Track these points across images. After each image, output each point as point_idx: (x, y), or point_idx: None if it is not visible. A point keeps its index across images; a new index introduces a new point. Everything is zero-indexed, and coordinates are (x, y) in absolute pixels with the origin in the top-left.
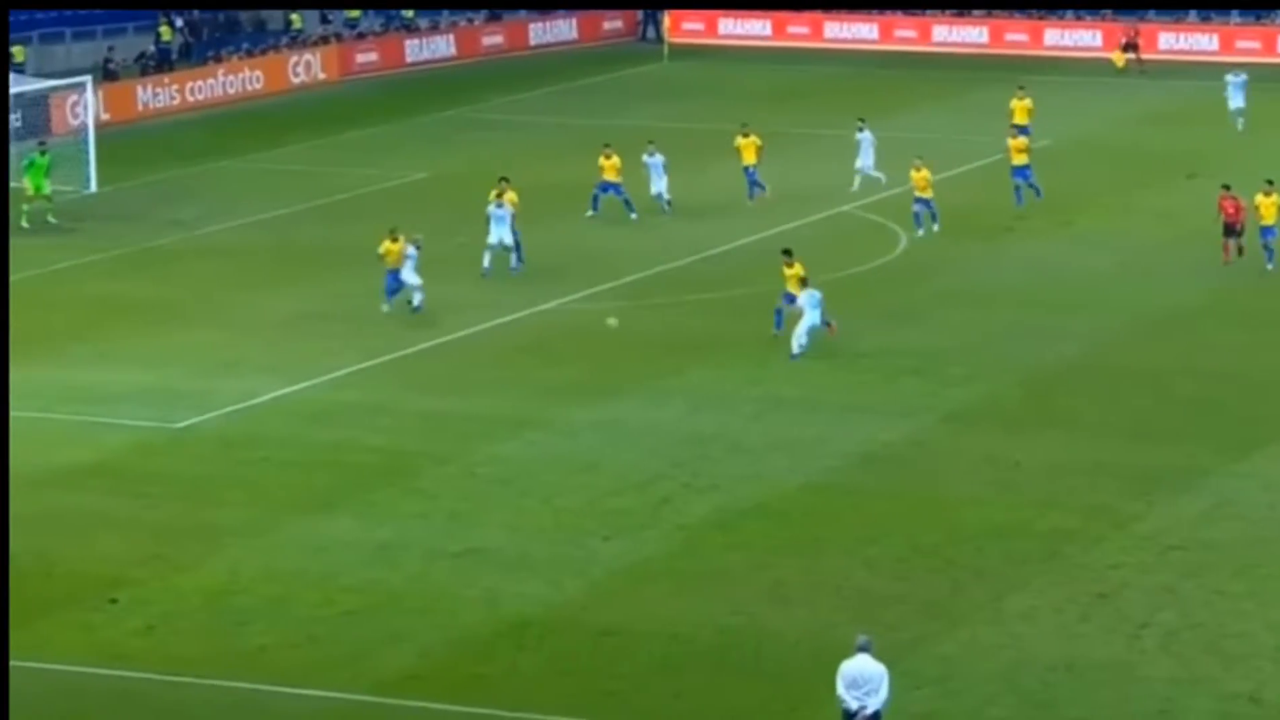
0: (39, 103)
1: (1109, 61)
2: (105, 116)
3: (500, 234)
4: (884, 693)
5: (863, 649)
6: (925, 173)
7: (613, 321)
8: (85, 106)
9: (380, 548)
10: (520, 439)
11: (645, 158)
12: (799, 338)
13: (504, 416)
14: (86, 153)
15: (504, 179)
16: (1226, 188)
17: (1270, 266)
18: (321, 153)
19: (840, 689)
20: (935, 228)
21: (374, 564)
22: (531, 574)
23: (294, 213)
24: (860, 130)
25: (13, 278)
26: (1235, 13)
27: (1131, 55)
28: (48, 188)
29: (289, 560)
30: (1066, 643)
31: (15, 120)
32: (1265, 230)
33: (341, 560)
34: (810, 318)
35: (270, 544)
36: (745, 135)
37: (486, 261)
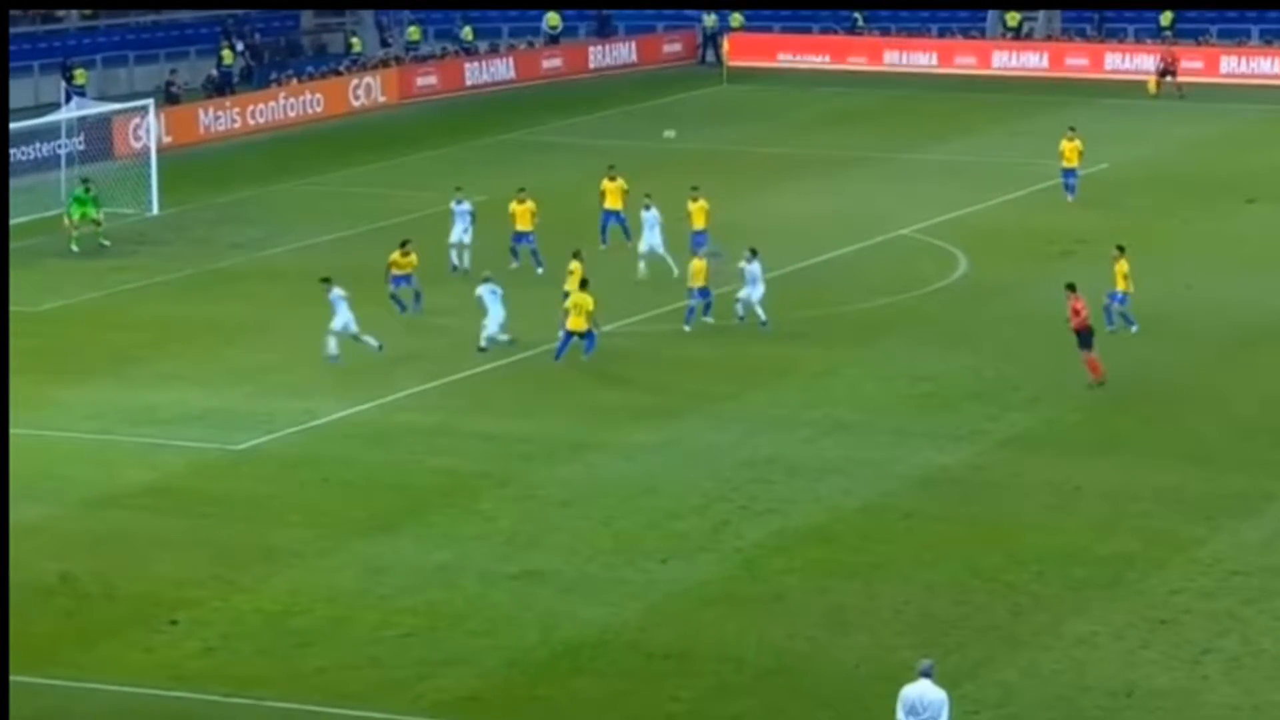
0: (102, 126)
1: (1144, 85)
2: (167, 139)
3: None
4: (945, 719)
5: (925, 674)
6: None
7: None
8: (148, 129)
9: (439, 569)
10: (579, 461)
11: (642, 212)
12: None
13: (563, 439)
14: (149, 175)
15: (522, 189)
16: (1071, 288)
17: None
18: (382, 175)
19: (900, 715)
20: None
21: (433, 585)
22: (590, 596)
23: (355, 235)
24: (646, 209)
25: (74, 299)
26: None
27: (1170, 79)
28: (96, 214)
29: (348, 581)
30: (1127, 669)
31: (79, 143)
32: None
33: (401, 582)
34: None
35: (330, 565)
36: (694, 200)
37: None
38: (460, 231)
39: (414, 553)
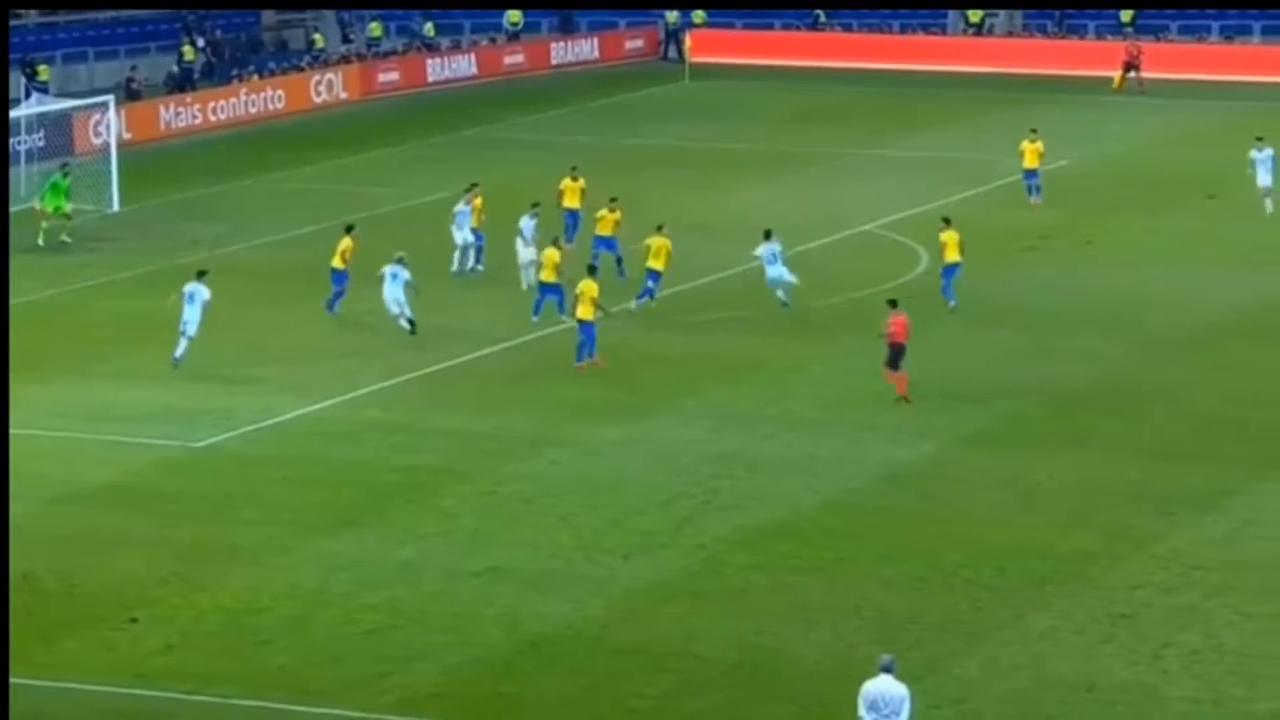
0: (62, 122)
1: (1109, 79)
2: (128, 135)
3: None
4: (905, 715)
5: (886, 669)
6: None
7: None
8: (108, 126)
9: (402, 566)
10: (541, 458)
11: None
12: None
13: (526, 435)
14: (109, 172)
15: (474, 184)
16: (893, 304)
17: None
18: (343, 172)
19: (861, 710)
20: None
21: (395, 582)
22: (553, 593)
23: (316, 231)
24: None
25: (35, 296)
26: (1257, 31)
27: (1132, 75)
28: (68, 207)
29: (310, 579)
30: (1088, 663)
31: (39, 140)
32: None
33: (363, 579)
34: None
35: (291, 563)
36: (611, 211)
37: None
38: (463, 234)
39: (376, 550)
